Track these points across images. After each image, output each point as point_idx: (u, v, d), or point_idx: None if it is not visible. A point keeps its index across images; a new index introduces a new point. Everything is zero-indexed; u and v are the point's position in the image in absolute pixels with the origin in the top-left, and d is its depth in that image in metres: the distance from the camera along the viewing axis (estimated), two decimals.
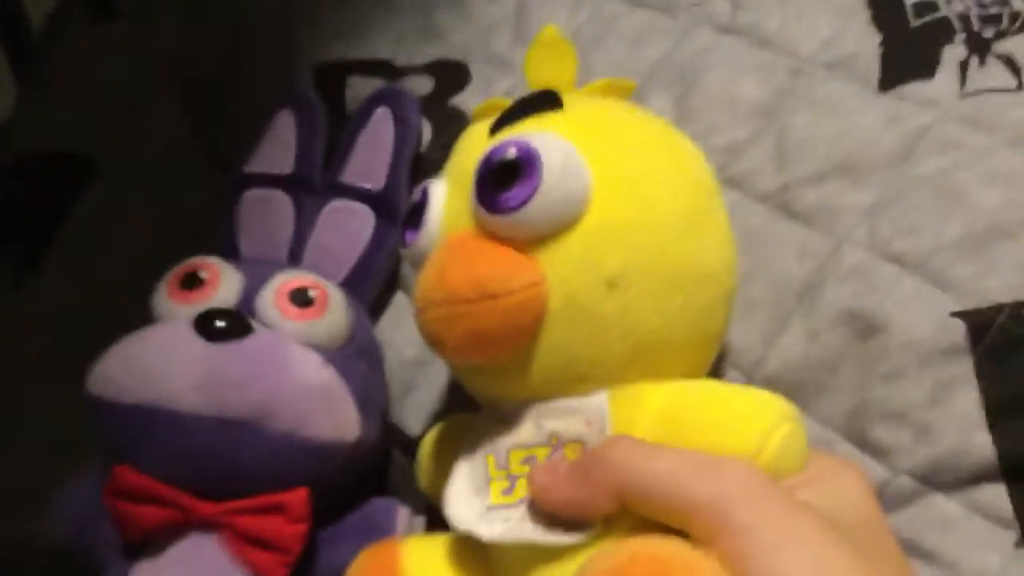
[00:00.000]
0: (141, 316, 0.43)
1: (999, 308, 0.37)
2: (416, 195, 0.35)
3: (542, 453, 0.33)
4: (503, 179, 0.30)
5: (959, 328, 0.37)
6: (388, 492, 0.41)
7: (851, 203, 0.41)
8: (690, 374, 0.35)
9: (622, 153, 0.33)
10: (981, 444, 0.37)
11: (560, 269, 0.31)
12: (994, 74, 0.41)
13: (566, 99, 0.34)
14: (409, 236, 0.35)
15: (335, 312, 0.44)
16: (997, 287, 0.37)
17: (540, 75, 0.37)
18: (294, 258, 0.48)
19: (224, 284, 0.43)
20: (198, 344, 0.39)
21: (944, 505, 0.37)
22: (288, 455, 0.39)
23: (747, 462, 0.29)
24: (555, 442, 0.33)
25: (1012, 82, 0.41)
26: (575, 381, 0.33)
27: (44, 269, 0.63)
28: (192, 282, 0.43)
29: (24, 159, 0.67)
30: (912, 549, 0.38)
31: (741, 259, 0.42)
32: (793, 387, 0.40)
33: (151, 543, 0.41)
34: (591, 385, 0.33)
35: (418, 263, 0.34)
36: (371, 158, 0.49)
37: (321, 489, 0.40)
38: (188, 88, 0.64)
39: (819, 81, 0.44)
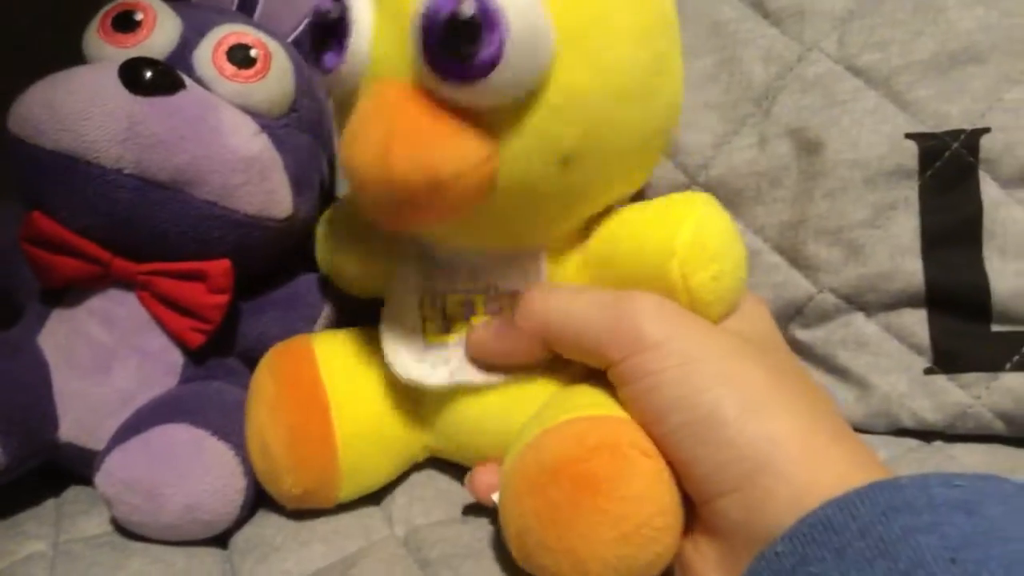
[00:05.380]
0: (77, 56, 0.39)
1: (956, 134, 0.36)
2: (327, 4, 0.29)
3: (479, 299, 0.33)
4: (458, 39, 0.25)
5: (911, 150, 0.36)
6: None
7: (826, 8, 0.39)
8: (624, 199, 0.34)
9: None
10: (911, 270, 0.36)
11: (514, 145, 0.27)
12: None
13: None
14: (329, 60, 0.29)
15: (278, 76, 0.40)
16: (957, 112, 0.36)
17: None
18: (246, 6, 0.44)
19: (160, 29, 0.39)
20: (122, 94, 0.36)
21: (863, 325, 0.38)
22: (212, 224, 0.37)
23: (657, 294, 0.29)
24: (492, 292, 0.33)
25: None
26: (513, 240, 0.32)
27: None
28: (125, 23, 0.38)
29: None
30: (825, 365, 0.38)
31: (707, 56, 0.40)
32: (733, 193, 0.39)
33: (71, 292, 0.39)
34: (529, 242, 0.32)
35: (339, 97, 0.30)
36: None
37: (247, 261, 0.39)
38: None
39: None
